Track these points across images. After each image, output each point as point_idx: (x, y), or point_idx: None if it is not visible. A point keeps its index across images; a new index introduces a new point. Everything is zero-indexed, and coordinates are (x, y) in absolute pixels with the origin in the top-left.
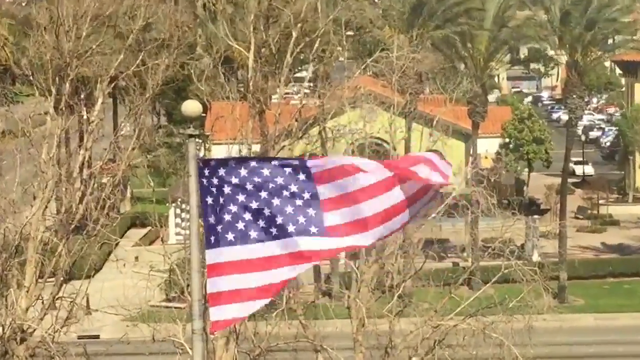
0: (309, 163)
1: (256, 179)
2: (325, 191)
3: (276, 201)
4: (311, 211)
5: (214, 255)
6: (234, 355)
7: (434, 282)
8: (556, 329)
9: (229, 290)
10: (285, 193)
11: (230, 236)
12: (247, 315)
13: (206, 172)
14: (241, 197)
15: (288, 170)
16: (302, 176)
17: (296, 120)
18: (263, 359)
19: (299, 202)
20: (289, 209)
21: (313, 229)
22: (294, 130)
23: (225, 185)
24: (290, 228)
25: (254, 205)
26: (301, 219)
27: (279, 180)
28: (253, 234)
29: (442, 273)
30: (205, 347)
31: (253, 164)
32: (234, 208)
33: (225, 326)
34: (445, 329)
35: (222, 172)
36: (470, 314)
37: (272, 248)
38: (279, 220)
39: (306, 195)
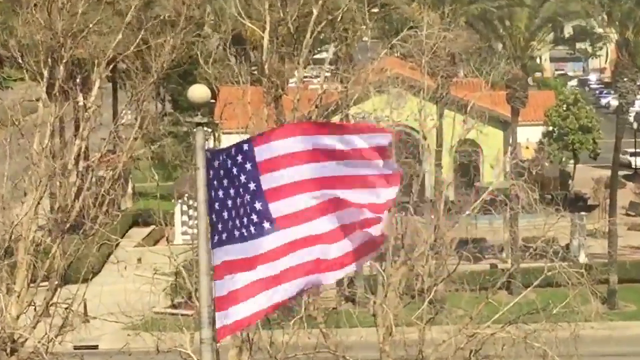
0: (255, 149)
1: (242, 175)
2: (268, 181)
3: (247, 196)
4: (258, 205)
5: (220, 255)
6: None
7: (469, 285)
8: (605, 338)
9: (232, 291)
10: (250, 186)
11: (235, 232)
12: (250, 316)
13: (215, 163)
14: (232, 192)
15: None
16: (248, 166)
17: (316, 107)
18: None
19: (247, 196)
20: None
21: (266, 225)
22: (314, 118)
23: (225, 179)
24: (252, 228)
25: (239, 201)
26: (254, 217)
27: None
28: (247, 230)
29: (479, 276)
30: (216, 358)
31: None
32: (229, 202)
33: (231, 331)
34: (481, 338)
35: (229, 162)
36: (510, 321)
37: (268, 244)
38: (246, 217)
39: (252, 186)
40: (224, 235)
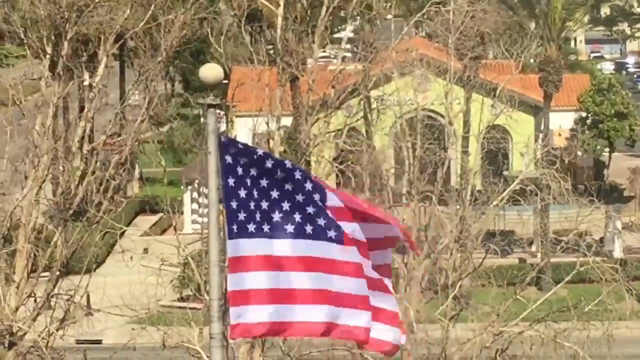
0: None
1: (277, 174)
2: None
3: (299, 197)
4: (324, 218)
5: (236, 247)
6: None
7: (496, 281)
8: None
9: (254, 290)
10: (298, 198)
11: (251, 227)
12: (270, 324)
13: (233, 149)
14: (264, 183)
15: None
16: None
17: (333, 88)
18: None
19: (310, 209)
20: (310, 209)
21: (331, 233)
22: (331, 100)
23: (251, 167)
24: (308, 229)
25: (275, 194)
26: (320, 221)
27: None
28: (268, 227)
29: (506, 270)
30: (226, 354)
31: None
32: (255, 193)
33: (246, 333)
34: (508, 337)
35: (251, 151)
36: (539, 319)
37: (295, 247)
38: (297, 217)
39: (317, 203)
40: (247, 227)
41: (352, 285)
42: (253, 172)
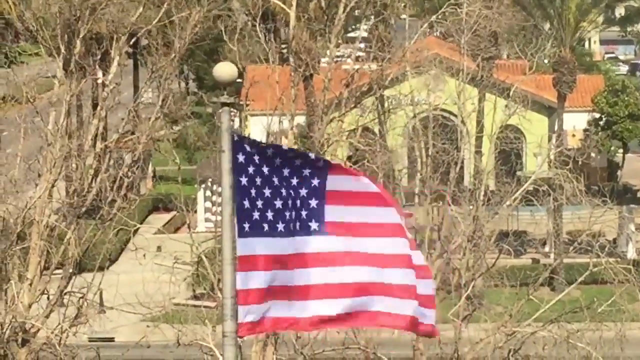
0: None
1: (285, 168)
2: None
3: (303, 191)
4: (313, 202)
5: (246, 246)
6: None
7: (509, 281)
8: None
9: (264, 288)
10: (302, 192)
11: (265, 226)
12: (277, 319)
13: (247, 146)
14: (276, 181)
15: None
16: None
17: (346, 86)
18: None
19: (303, 191)
20: (313, 202)
21: (313, 225)
22: (346, 100)
23: (263, 165)
24: (314, 225)
25: (284, 193)
26: (303, 213)
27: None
28: (280, 226)
29: (519, 271)
30: (239, 352)
31: (289, 154)
32: (267, 192)
33: (255, 331)
34: (521, 337)
35: (263, 148)
36: (552, 319)
37: (299, 244)
38: (304, 214)
39: (314, 182)
40: (258, 226)
41: (367, 275)
42: (265, 170)
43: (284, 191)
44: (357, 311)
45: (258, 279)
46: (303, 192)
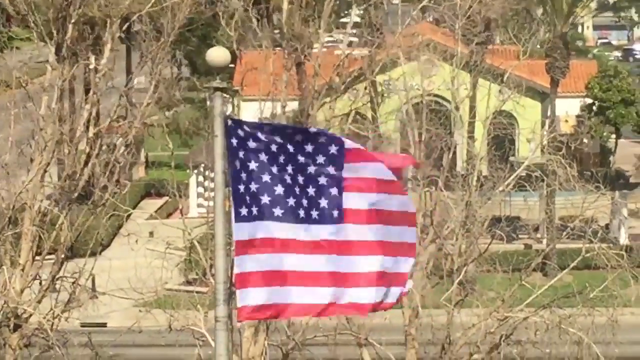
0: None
1: (288, 149)
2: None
3: (300, 178)
4: (334, 190)
5: (243, 230)
6: (263, 348)
7: (502, 266)
8: None
9: (261, 272)
10: (310, 169)
11: (254, 210)
12: (279, 305)
13: (240, 132)
14: (274, 168)
15: (321, 139)
16: (333, 149)
17: (337, 75)
18: (298, 354)
19: (322, 180)
20: (311, 190)
21: (335, 214)
22: (337, 85)
23: (258, 150)
24: (314, 214)
25: (287, 178)
26: (322, 202)
27: (307, 151)
28: (279, 211)
29: (512, 256)
30: (231, 338)
31: (288, 131)
32: (266, 177)
33: (254, 317)
34: (513, 323)
35: (258, 133)
36: (544, 305)
37: (305, 230)
38: (304, 202)
39: (331, 171)
40: (254, 211)
41: (362, 263)
42: (262, 156)
43: (287, 177)
44: (359, 302)
45: (256, 263)
46: (322, 180)
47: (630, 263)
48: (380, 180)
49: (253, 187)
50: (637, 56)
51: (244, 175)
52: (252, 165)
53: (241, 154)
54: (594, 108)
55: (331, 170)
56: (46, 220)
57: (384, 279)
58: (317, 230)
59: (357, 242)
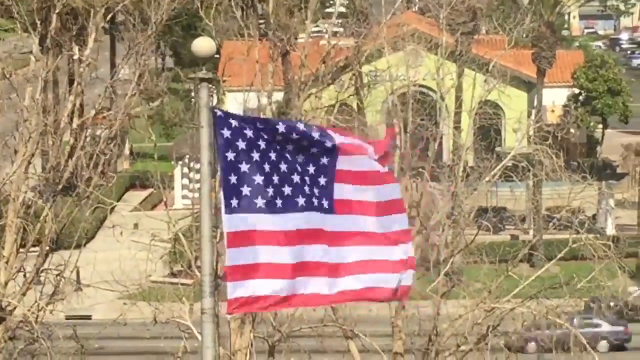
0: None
1: (281, 141)
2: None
3: (294, 170)
4: (322, 180)
5: (235, 222)
6: (249, 340)
7: (488, 257)
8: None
9: (253, 264)
10: (302, 161)
11: (260, 202)
12: (268, 297)
13: (232, 122)
14: (273, 157)
15: (316, 135)
16: (327, 143)
17: (324, 63)
18: (284, 346)
19: (311, 168)
20: (306, 181)
21: (323, 202)
22: (323, 75)
23: (258, 140)
24: (304, 203)
25: (283, 168)
26: (315, 192)
27: (302, 144)
28: (279, 202)
29: (498, 247)
30: (217, 330)
31: (280, 128)
32: (267, 167)
33: (244, 308)
34: (500, 314)
35: (253, 123)
36: (531, 295)
37: (298, 221)
38: (298, 193)
39: (323, 161)
40: (249, 202)
41: (359, 253)
42: (262, 144)
43: (282, 167)
44: (350, 289)
45: (248, 255)
46: (311, 169)
47: (617, 253)
48: (371, 172)
49: (255, 178)
50: (623, 46)
51: (237, 166)
52: (255, 155)
53: (238, 144)
54: (581, 98)
55: (325, 161)
56: (30, 212)
57: (386, 267)
58: (310, 221)
59: (352, 232)
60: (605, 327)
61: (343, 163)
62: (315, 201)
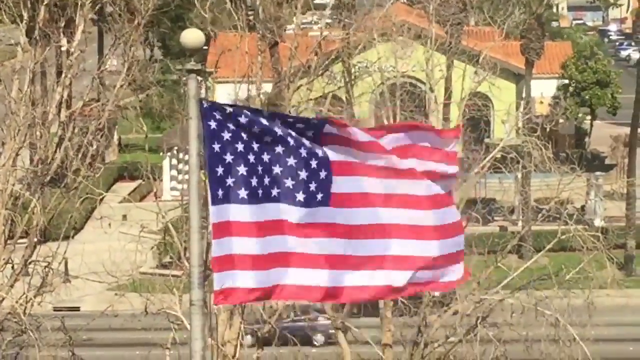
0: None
1: (273, 131)
2: (333, 154)
3: (291, 160)
4: (322, 174)
5: (221, 213)
6: (239, 331)
7: (477, 249)
8: (621, 306)
9: (239, 255)
10: (302, 152)
11: (243, 193)
12: (255, 290)
13: (217, 114)
14: (256, 147)
15: (300, 126)
16: (309, 133)
17: (315, 55)
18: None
19: (314, 163)
20: (303, 173)
21: (319, 196)
22: (313, 67)
23: (241, 131)
24: (299, 196)
25: (266, 159)
26: (312, 186)
27: (292, 137)
28: (261, 192)
29: (487, 238)
30: (207, 321)
31: (264, 120)
32: (251, 158)
33: (231, 300)
34: (489, 305)
35: (237, 114)
36: (520, 287)
37: (285, 213)
38: (289, 183)
39: (320, 153)
40: (237, 193)
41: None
42: (245, 135)
43: (265, 157)
44: (340, 286)
45: (234, 246)
46: (314, 163)
47: (606, 245)
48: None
49: (239, 169)
50: (612, 37)
51: (222, 157)
52: (239, 146)
53: (223, 135)
54: (570, 89)
55: (320, 153)
56: (18, 204)
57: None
58: (302, 213)
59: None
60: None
61: (333, 154)
62: (310, 194)
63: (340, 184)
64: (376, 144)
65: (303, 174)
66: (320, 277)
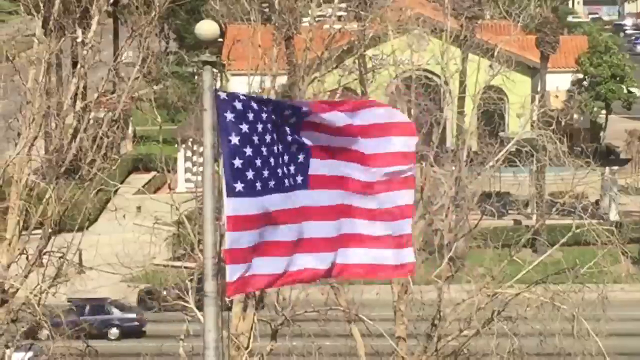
0: (304, 109)
1: (276, 121)
2: (311, 140)
3: (293, 148)
4: (301, 156)
5: (238, 206)
6: (252, 324)
7: (492, 242)
8: (636, 300)
9: (253, 246)
10: (289, 138)
11: (259, 184)
12: (263, 276)
13: (237, 104)
14: (268, 139)
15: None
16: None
17: (326, 48)
18: (287, 330)
19: (293, 147)
20: (302, 159)
21: (299, 178)
22: (327, 59)
23: (259, 122)
24: (299, 179)
25: (276, 150)
26: (292, 168)
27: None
28: (272, 182)
29: (502, 232)
30: (220, 313)
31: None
32: (264, 150)
33: (244, 289)
34: (504, 299)
35: (254, 105)
36: (535, 281)
37: (293, 200)
38: (293, 170)
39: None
40: (252, 186)
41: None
42: (260, 128)
43: (275, 148)
44: (341, 264)
45: (248, 238)
46: (293, 147)
47: (621, 239)
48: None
49: (256, 162)
50: (627, 31)
51: (242, 150)
52: (255, 139)
53: (241, 128)
54: (585, 83)
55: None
56: (33, 195)
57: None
58: (300, 197)
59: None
60: (117, 314)
61: (345, 142)
62: (295, 178)
63: (318, 167)
64: (348, 127)
65: (301, 157)
66: (321, 260)
